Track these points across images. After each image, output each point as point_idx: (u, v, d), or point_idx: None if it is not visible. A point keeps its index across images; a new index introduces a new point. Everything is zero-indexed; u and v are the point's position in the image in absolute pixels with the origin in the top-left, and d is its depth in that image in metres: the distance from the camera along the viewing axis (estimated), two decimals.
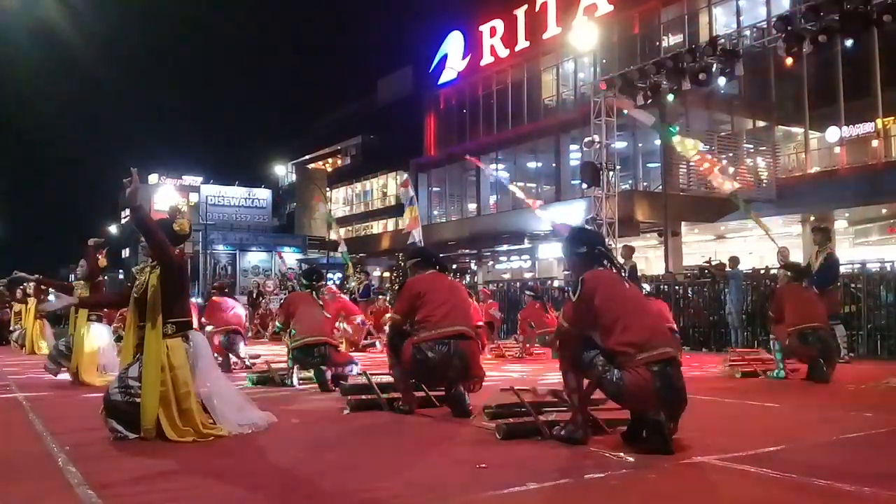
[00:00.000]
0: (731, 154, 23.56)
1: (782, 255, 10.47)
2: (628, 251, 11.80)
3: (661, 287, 13.83)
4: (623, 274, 4.16)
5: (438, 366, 4.97)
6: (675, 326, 7.97)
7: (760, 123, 24.09)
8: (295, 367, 7.18)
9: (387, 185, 42.09)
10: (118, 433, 4.17)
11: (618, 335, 3.77)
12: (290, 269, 27.63)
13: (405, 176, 37.16)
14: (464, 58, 31.99)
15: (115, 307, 6.54)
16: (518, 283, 19.01)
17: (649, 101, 14.83)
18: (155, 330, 4.26)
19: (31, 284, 14.29)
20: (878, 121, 20.36)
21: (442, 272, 5.48)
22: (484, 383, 5.53)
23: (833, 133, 21.44)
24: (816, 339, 7.10)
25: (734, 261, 12.70)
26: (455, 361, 4.95)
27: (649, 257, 24.36)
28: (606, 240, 4.49)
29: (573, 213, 22.00)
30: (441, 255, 5.94)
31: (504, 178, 13.60)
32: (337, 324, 9.55)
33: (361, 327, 12.54)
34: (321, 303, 7.09)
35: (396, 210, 39.41)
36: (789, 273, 7.87)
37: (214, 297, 9.88)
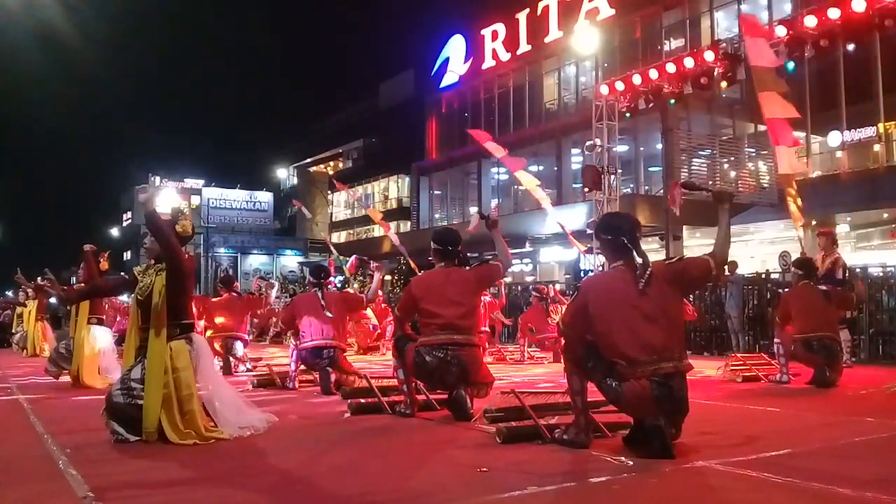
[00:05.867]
0: (732, 158, 23.54)
1: (784, 259, 10.45)
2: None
3: None
4: (646, 271, 3.79)
5: (437, 371, 4.95)
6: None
7: (762, 127, 24.02)
8: (297, 370, 7.18)
9: (388, 189, 42.13)
10: (119, 435, 4.17)
11: (610, 346, 3.75)
12: (290, 271, 27.58)
13: (406, 179, 37.31)
14: (465, 61, 32.02)
15: (100, 294, 6.39)
16: (519, 287, 18.98)
17: (650, 105, 14.86)
18: (159, 331, 4.26)
19: (31, 286, 14.33)
20: (880, 125, 20.34)
21: (462, 265, 5.33)
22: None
23: (835, 137, 21.43)
24: (821, 346, 7.08)
25: (732, 265, 12.70)
26: (453, 368, 4.93)
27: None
28: None
29: (575, 216, 22.00)
30: (460, 248, 5.36)
31: (505, 156, 12.87)
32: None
33: (374, 331, 12.60)
34: (324, 304, 7.04)
35: (398, 213, 39.45)
36: (800, 271, 7.70)
37: (215, 299, 9.91)
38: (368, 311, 12.72)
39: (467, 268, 5.41)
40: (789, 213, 9.45)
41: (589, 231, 13.58)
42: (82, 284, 7.97)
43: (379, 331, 12.77)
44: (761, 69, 9.62)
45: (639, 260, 3.86)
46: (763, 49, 9.86)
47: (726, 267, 12.85)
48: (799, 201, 9.46)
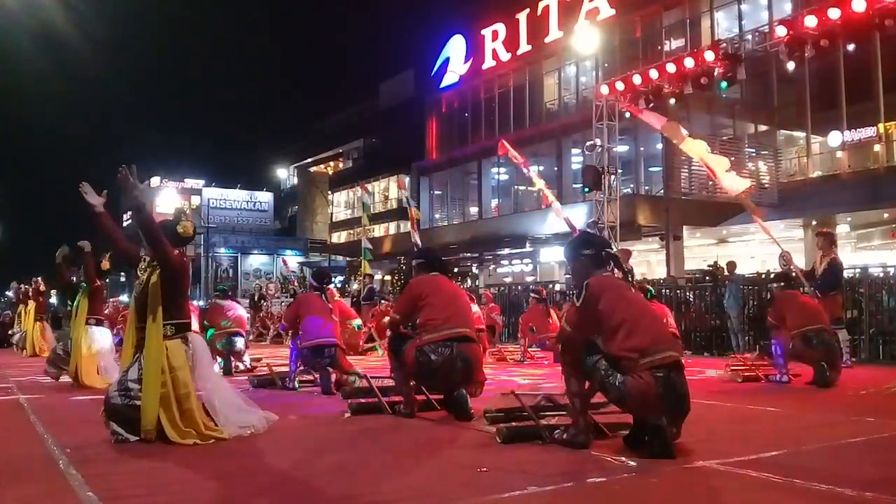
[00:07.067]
0: (732, 158, 23.54)
1: (784, 260, 10.45)
2: (626, 255, 11.63)
3: (663, 291, 13.82)
4: (630, 278, 4.19)
5: (441, 368, 4.96)
6: (676, 332, 7.95)
7: (762, 127, 24.09)
8: (297, 370, 7.18)
9: (388, 189, 42.10)
10: (119, 435, 4.17)
11: (622, 340, 3.76)
12: (293, 271, 27.56)
13: (406, 179, 37.47)
14: (466, 61, 32.03)
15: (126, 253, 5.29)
16: (520, 287, 18.99)
17: (651, 105, 14.85)
18: (154, 330, 4.26)
19: (31, 286, 14.34)
20: (880, 125, 20.35)
21: (444, 275, 5.49)
22: (485, 387, 5.54)
23: (835, 137, 21.44)
24: (820, 341, 7.08)
25: (731, 265, 12.70)
26: (458, 364, 4.95)
27: (651, 261, 24.34)
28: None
29: (575, 216, 21.97)
30: (444, 259, 5.96)
31: (525, 170, 14.36)
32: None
33: (359, 331, 12.59)
34: (330, 305, 7.08)
35: (398, 213, 39.43)
36: (782, 283, 8.00)
37: (215, 300, 9.92)
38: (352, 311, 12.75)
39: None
40: (763, 227, 9.95)
41: (590, 231, 13.59)
42: (83, 284, 7.96)
43: (364, 330, 12.79)
44: (667, 128, 11.00)
45: (625, 268, 4.18)
46: (653, 117, 11.66)
47: (725, 267, 12.89)
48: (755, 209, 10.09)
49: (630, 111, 13.16)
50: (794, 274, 8.58)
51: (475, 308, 10.29)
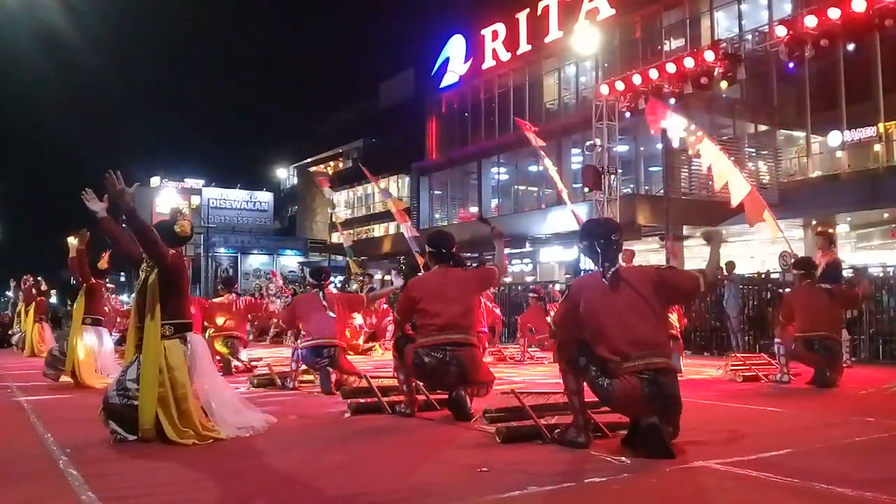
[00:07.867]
0: (732, 158, 23.55)
1: (785, 260, 10.46)
2: (629, 255, 11.65)
3: None
4: (608, 272, 3.91)
5: (436, 372, 4.96)
6: (677, 332, 7.91)
7: (762, 127, 24.07)
8: (297, 370, 7.17)
9: (388, 189, 42.08)
10: (118, 434, 4.18)
11: (602, 344, 3.79)
12: (290, 271, 27.47)
13: (406, 179, 37.47)
14: (465, 61, 32.01)
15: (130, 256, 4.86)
16: (520, 287, 18.98)
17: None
18: (153, 330, 4.27)
19: (30, 284, 14.30)
20: (881, 125, 20.33)
21: (457, 266, 5.36)
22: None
23: (835, 137, 21.42)
24: (822, 346, 7.06)
25: (730, 265, 12.70)
26: (452, 368, 4.93)
27: (651, 261, 24.30)
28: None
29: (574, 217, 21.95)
30: (455, 247, 5.41)
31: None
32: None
33: (360, 330, 12.56)
34: (325, 303, 7.05)
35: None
36: (801, 271, 7.65)
37: (216, 299, 9.89)
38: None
39: (463, 269, 5.44)
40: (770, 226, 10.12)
41: (596, 219, 13.62)
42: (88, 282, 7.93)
43: (365, 329, 12.78)
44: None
45: (605, 265, 3.91)
46: (672, 121, 11.78)
47: (725, 267, 12.88)
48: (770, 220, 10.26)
49: (652, 127, 12.99)
50: (815, 262, 8.37)
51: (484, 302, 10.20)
